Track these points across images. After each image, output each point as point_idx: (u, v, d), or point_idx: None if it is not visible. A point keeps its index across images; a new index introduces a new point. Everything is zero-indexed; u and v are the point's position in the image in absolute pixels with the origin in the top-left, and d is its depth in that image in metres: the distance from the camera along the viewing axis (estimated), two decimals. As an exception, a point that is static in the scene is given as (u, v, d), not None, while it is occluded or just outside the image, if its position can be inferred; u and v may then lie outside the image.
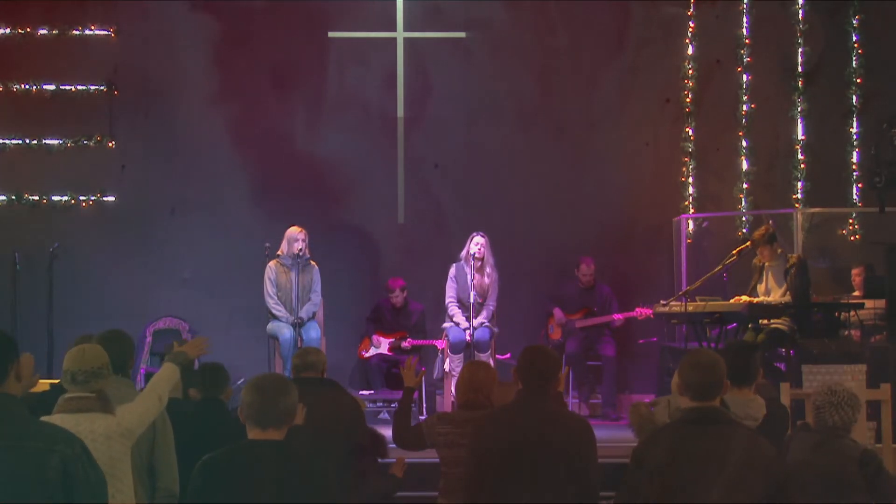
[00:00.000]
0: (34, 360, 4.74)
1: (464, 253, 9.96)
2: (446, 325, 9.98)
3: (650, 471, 4.11)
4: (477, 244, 9.86)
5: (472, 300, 9.70)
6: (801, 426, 5.67)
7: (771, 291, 9.13)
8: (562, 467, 4.67)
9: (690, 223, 11.20)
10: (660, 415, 5.41)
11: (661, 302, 9.37)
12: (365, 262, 11.14)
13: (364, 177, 11.25)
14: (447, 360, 9.86)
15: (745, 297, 9.05)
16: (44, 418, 4.22)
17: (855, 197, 11.22)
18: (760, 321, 9.04)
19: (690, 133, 11.27)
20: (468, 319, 9.74)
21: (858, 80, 11.22)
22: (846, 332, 9.03)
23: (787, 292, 8.99)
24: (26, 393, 5.02)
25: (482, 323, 9.77)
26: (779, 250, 9.27)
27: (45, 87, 10.97)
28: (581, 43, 11.32)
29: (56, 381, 6.10)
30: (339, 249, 10.88)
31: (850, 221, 11.11)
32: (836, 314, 8.94)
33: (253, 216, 10.96)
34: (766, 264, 9.23)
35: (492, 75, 11.31)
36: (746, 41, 11.28)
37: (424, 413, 9.66)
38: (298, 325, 9.46)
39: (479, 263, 9.82)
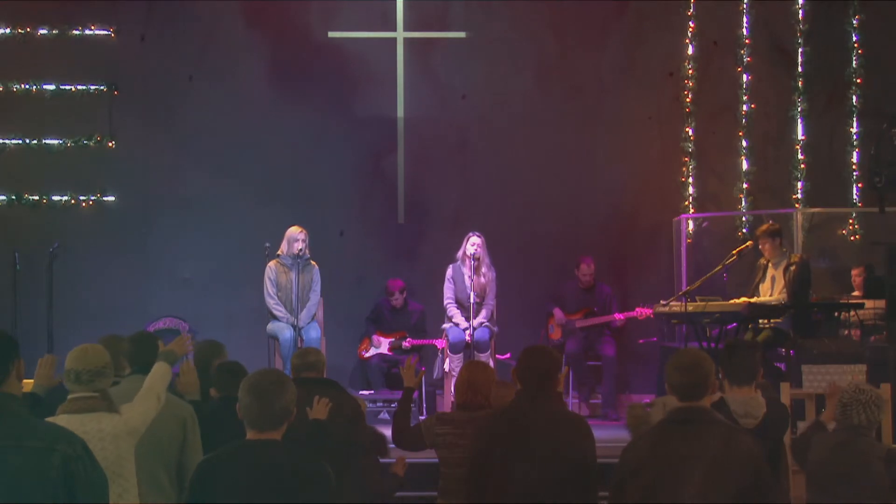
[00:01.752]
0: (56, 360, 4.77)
1: (460, 253, 9.96)
2: (446, 325, 9.99)
3: (632, 471, 4.13)
4: (473, 244, 9.86)
5: (471, 300, 9.70)
6: (815, 424, 5.65)
7: (773, 290, 9.14)
8: (561, 467, 4.68)
9: (690, 223, 11.20)
10: (655, 415, 5.41)
11: (661, 302, 9.37)
12: (365, 262, 11.13)
13: (364, 177, 11.25)
14: (447, 360, 9.87)
15: (743, 299, 9.07)
16: (48, 419, 4.23)
17: (855, 197, 11.22)
18: (760, 321, 9.04)
19: (690, 133, 11.27)
20: (467, 319, 9.75)
21: (858, 80, 11.22)
22: (846, 332, 9.03)
23: (785, 289, 9.02)
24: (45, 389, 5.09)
25: (482, 323, 9.77)
26: (783, 249, 9.30)
27: (45, 87, 10.97)
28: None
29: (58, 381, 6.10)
30: (339, 249, 10.89)
31: (850, 221, 11.11)
32: (836, 314, 8.95)
33: (254, 215, 10.96)
34: (769, 263, 9.24)
35: (490, 74, 11.31)
36: (746, 41, 11.28)
37: (424, 413, 9.66)
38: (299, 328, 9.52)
39: (476, 263, 9.83)
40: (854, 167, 11.21)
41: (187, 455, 5.03)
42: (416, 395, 7.10)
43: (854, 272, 10.30)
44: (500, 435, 4.79)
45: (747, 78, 11.27)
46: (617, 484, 4.23)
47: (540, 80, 11.32)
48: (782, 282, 9.09)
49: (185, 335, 5.21)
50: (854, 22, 11.22)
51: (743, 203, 11.26)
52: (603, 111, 11.32)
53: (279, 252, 9.70)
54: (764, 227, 9.36)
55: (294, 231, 9.64)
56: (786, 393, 7.25)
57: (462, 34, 11.19)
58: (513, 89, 11.30)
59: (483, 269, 9.86)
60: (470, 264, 9.85)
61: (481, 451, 4.81)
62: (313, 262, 9.73)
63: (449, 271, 10.00)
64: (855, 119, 11.23)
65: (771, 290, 9.20)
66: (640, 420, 5.51)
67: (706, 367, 4.21)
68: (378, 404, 9.39)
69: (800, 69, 11.24)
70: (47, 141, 10.98)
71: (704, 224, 11.27)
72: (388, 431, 6.24)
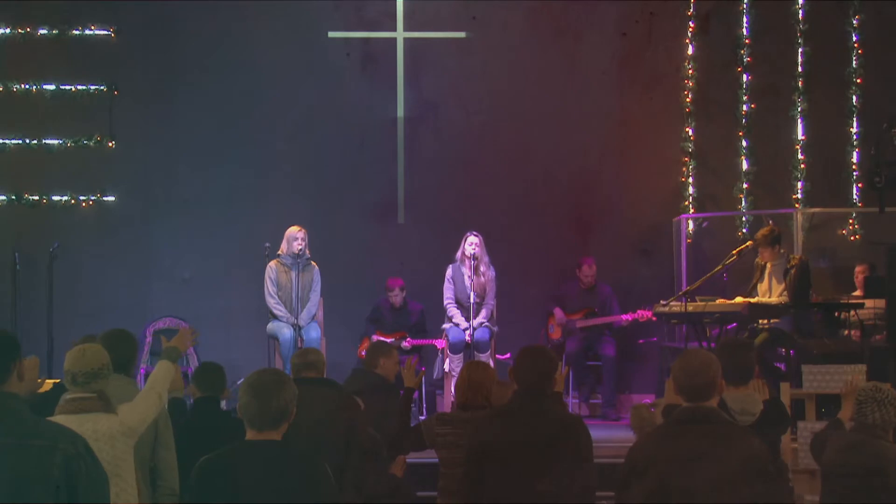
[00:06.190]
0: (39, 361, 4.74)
1: (459, 254, 9.98)
2: (446, 325, 9.99)
3: (640, 471, 4.13)
4: (471, 244, 9.88)
5: (471, 300, 9.70)
6: (833, 423, 5.63)
7: (772, 291, 9.14)
8: (558, 466, 4.68)
9: (690, 223, 11.20)
10: (660, 416, 5.42)
11: (661, 302, 9.37)
12: (365, 262, 11.13)
13: (364, 177, 11.25)
14: (447, 360, 9.87)
15: (738, 299, 9.06)
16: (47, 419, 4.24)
17: (855, 197, 11.22)
18: (760, 321, 9.04)
19: (690, 133, 11.27)
20: (467, 319, 9.75)
21: (858, 80, 11.21)
22: (846, 332, 9.03)
23: (785, 291, 9.01)
24: (30, 394, 5.06)
25: (482, 322, 9.77)
26: (781, 251, 9.29)
27: (45, 87, 10.97)
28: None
29: (58, 380, 6.11)
30: (339, 249, 10.89)
31: (850, 221, 11.10)
32: (837, 314, 8.94)
33: (254, 215, 10.96)
34: (768, 264, 9.23)
35: (490, 73, 11.32)
36: (746, 41, 11.28)
37: (424, 413, 9.67)
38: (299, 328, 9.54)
39: (475, 263, 9.84)
40: (854, 167, 11.21)
41: (159, 455, 5.02)
42: (416, 395, 7.11)
43: (857, 269, 10.26)
44: (496, 434, 4.79)
45: (747, 78, 11.27)
46: (623, 484, 4.22)
47: (540, 81, 11.31)
48: (782, 283, 9.08)
49: (188, 328, 5.15)
50: (854, 22, 11.22)
51: (743, 203, 11.25)
52: (604, 111, 11.32)
53: (279, 252, 9.72)
54: (763, 232, 9.27)
55: (294, 230, 9.68)
56: (786, 393, 7.25)
57: (462, 34, 11.20)
58: (512, 89, 11.30)
59: (482, 269, 9.87)
60: (469, 264, 9.86)
61: (477, 450, 4.81)
62: (313, 263, 9.76)
63: (449, 271, 10.01)
64: (855, 119, 11.23)
65: (769, 290, 9.19)
66: (645, 421, 5.53)
67: (715, 369, 4.21)
68: (378, 404, 9.37)
69: (800, 69, 11.24)
70: (47, 141, 10.98)
71: (704, 224, 11.27)
72: (387, 431, 6.24)
